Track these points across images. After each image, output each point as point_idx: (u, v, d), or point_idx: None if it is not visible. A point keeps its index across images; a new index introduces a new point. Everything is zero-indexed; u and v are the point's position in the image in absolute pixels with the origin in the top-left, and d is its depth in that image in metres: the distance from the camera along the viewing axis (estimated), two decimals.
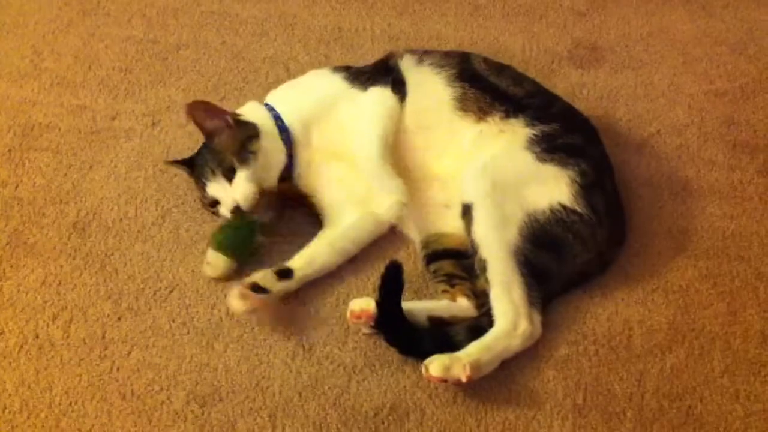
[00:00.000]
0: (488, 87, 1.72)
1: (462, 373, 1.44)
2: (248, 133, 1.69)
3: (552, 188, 1.59)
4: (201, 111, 1.70)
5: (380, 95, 1.72)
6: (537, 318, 1.54)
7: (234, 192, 1.65)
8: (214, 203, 1.69)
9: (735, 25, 2.22)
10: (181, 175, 1.82)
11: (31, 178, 1.85)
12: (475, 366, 1.45)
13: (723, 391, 1.52)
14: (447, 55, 1.79)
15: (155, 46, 2.14)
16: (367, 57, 2.07)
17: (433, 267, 1.67)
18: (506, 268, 1.53)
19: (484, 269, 1.55)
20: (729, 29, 2.21)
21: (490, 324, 1.52)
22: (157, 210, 1.78)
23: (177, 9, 2.23)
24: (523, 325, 1.51)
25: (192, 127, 1.91)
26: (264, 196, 1.66)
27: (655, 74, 2.08)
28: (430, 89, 1.73)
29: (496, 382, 1.52)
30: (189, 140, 1.89)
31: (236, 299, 1.53)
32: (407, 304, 1.53)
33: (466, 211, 1.59)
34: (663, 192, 1.83)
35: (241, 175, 1.65)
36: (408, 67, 1.76)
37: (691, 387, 1.52)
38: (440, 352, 1.49)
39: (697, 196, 1.82)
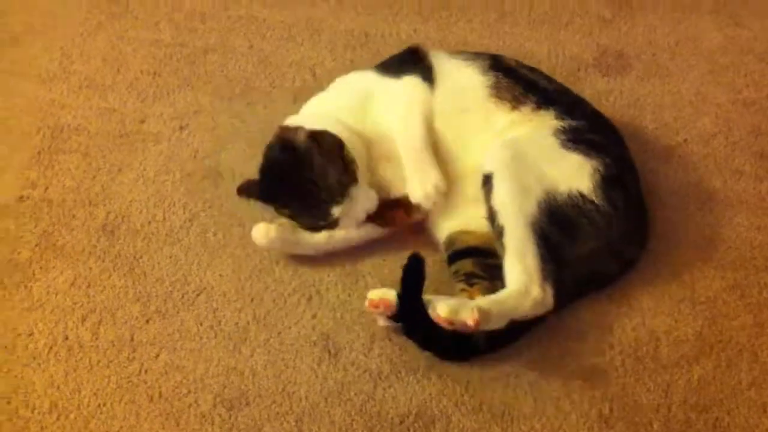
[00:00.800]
0: (520, 78, 1.74)
1: (470, 317, 1.42)
2: (335, 142, 1.65)
3: (573, 175, 1.60)
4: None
5: (414, 82, 1.72)
6: (549, 291, 1.52)
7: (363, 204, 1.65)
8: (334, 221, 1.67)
9: (763, 34, 2.21)
10: (209, 179, 1.84)
11: (61, 180, 1.86)
12: (485, 313, 1.44)
13: (750, 403, 1.51)
14: (477, 53, 1.81)
15: (183, 49, 2.15)
16: None
17: (454, 267, 1.67)
18: (523, 235, 1.53)
19: (500, 235, 1.55)
20: (757, 38, 2.20)
21: None
22: (184, 213, 1.79)
23: (204, 13, 2.24)
24: (536, 291, 1.50)
25: (220, 130, 1.93)
26: None
27: (682, 83, 2.07)
28: (465, 76, 1.73)
29: (522, 391, 1.52)
30: (216, 144, 1.91)
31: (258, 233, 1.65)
32: (426, 298, 1.52)
33: (486, 181, 1.60)
34: (690, 201, 1.82)
35: (361, 188, 1.65)
36: (439, 57, 1.77)
37: (718, 399, 1.51)
38: (458, 346, 1.52)
39: (724, 206, 1.81)
